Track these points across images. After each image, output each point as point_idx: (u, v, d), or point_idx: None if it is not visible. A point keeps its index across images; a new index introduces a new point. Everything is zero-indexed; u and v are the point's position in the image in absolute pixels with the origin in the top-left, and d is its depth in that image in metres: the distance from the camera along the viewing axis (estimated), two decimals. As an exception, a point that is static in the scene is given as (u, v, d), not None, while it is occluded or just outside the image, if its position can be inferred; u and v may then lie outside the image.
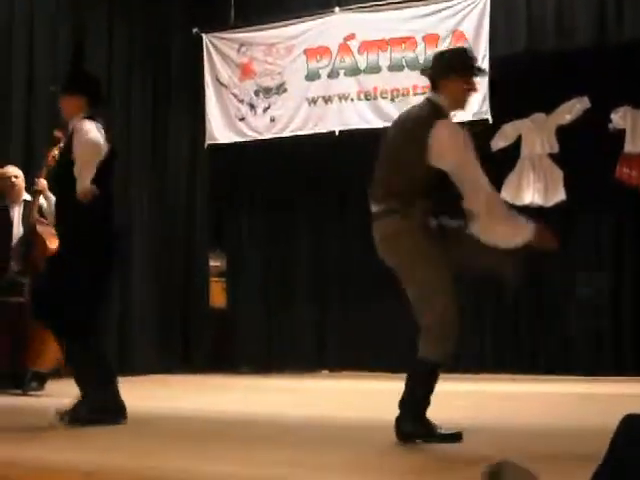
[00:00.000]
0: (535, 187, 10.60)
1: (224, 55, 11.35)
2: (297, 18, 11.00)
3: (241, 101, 11.26)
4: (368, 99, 10.52)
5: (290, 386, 9.79)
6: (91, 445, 4.68)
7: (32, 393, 7.75)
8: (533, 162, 10.63)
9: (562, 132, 10.53)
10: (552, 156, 10.63)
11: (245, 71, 11.24)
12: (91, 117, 5.65)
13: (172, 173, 11.79)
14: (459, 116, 9.73)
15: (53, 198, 6.61)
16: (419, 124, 4.66)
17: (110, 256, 5.74)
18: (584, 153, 10.11)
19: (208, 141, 11.37)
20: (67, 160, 5.55)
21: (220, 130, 11.32)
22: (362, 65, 10.57)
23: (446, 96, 4.76)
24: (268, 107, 11.08)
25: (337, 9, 10.80)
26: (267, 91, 11.10)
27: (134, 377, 10.18)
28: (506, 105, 10.03)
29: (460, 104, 4.83)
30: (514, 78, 9.71)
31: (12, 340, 7.80)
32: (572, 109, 10.42)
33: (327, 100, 10.74)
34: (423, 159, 4.56)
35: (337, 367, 11.44)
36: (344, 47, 10.67)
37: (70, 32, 10.46)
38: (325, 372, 11.48)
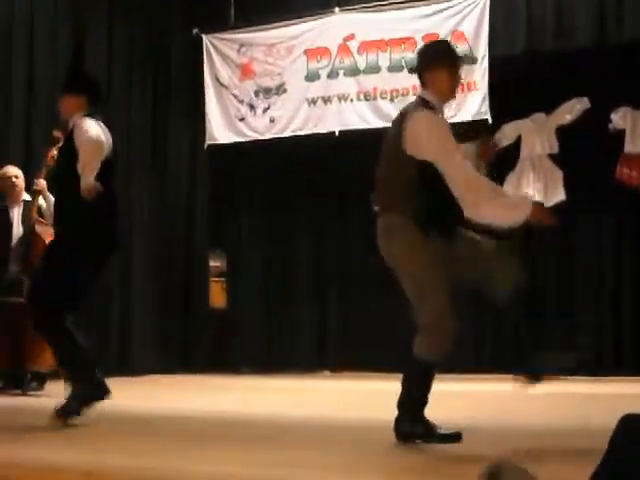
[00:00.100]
0: (535, 187, 10.60)
1: (224, 55, 11.35)
2: (297, 18, 11.00)
3: (241, 101, 11.26)
4: (368, 99, 10.52)
5: (290, 386, 9.79)
6: (90, 445, 4.69)
7: (32, 393, 7.75)
8: (533, 162, 10.63)
9: (562, 132, 10.53)
10: (552, 156, 10.63)
11: (245, 71, 11.24)
12: (91, 115, 5.66)
13: (172, 173, 11.79)
14: (459, 116, 9.85)
15: (52, 198, 6.61)
16: (402, 118, 4.72)
17: (111, 253, 5.76)
18: (584, 153, 10.11)
19: (208, 141, 11.37)
20: (67, 158, 5.55)
21: (220, 130, 11.33)
22: (362, 65, 10.57)
23: (432, 89, 4.79)
24: (268, 107, 11.08)
25: (337, 9, 10.80)
26: (267, 91, 11.10)
27: (134, 377, 10.19)
28: (506, 105, 10.03)
29: (447, 95, 4.83)
30: (514, 78, 9.71)
31: (12, 340, 7.80)
32: (572, 109, 10.42)
33: (327, 100, 10.74)
34: (404, 150, 4.60)
35: (338, 367, 11.44)
36: (344, 47, 10.68)
37: (70, 32, 10.45)
38: (326, 372, 11.48)
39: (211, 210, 12.19)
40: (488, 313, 10.77)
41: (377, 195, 4.79)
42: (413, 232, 4.57)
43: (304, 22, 10.98)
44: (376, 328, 10.93)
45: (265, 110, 11.12)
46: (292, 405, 7.32)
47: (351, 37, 10.66)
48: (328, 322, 11.95)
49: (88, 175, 5.36)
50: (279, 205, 11.99)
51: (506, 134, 10.59)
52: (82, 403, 5.42)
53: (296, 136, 10.89)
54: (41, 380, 7.92)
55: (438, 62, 4.78)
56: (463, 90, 9.68)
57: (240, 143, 11.28)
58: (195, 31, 11.39)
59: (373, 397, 8.11)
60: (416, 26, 10.29)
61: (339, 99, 10.69)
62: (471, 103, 9.93)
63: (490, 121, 9.82)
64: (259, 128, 11.16)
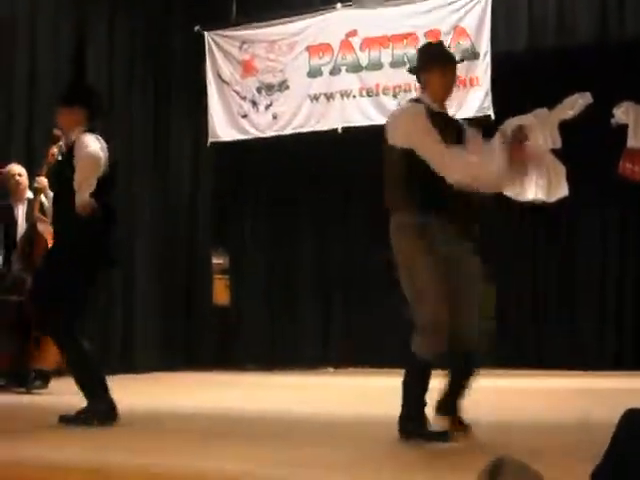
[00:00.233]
0: (538, 183, 10.55)
1: (226, 52, 11.35)
2: (299, 15, 11.00)
3: (243, 98, 11.26)
4: (370, 96, 10.52)
5: (294, 383, 9.80)
6: (95, 443, 4.69)
7: (36, 391, 7.76)
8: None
9: (565, 128, 10.50)
10: (555, 151, 10.61)
11: (247, 68, 11.24)
12: (91, 130, 5.64)
13: (174, 171, 11.80)
14: (462, 112, 9.86)
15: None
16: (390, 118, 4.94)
17: (109, 268, 5.77)
18: (587, 148, 10.10)
19: (211, 139, 11.36)
20: (65, 174, 5.53)
21: (222, 127, 11.32)
22: (364, 62, 10.56)
23: (428, 90, 4.88)
24: (270, 104, 11.08)
25: (339, 5, 10.78)
26: (269, 88, 11.10)
27: (138, 375, 10.21)
28: (508, 101, 10.01)
29: (441, 95, 4.90)
30: (516, 74, 9.72)
31: (15, 338, 7.81)
32: (575, 104, 10.38)
33: (329, 97, 10.73)
34: (391, 145, 4.70)
35: (341, 364, 11.45)
36: (346, 44, 10.67)
37: (72, 31, 10.46)
38: (330, 369, 11.50)
39: (214, 208, 12.19)
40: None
41: (385, 195, 4.84)
42: (419, 233, 4.61)
43: (306, 18, 10.97)
44: (379, 325, 10.95)
45: (267, 107, 11.12)
46: (296, 402, 7.33)
47: (353, 33, 10.66)
48: (331, 318, 11.97)
49: (84, 192, 5.36)
50: (282, 202, 12.00)
51: (509, 130, 10.57)
52: (89, 420, 5.41)
53: (299, 133, 10.89)
54: (45, 378, 7.93)
55: (431, 64, 4.87)
56: (465, 86, 9.68)
57: (243, 140, 11.28)
58: (197, 28, 11.38)
59: (377, 393, 8.12)
60: (418, 22, 10.28)
61: (341, 95, 10.69)
62: (473, 99, 9.92)
63: (493, 117, 9.81)
64: (262, 125, 11.15)
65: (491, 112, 9.80)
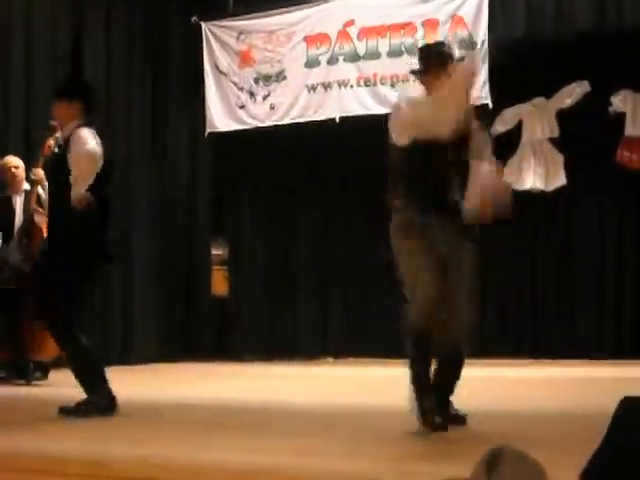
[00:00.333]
0: (536, 172, 10.59)
1: (223, 43, 11.32)
2: (296, 5, 10.97)
3: (241, 89, 11.24)
4: (368, 85, 10.50)
5: (294, 373, 9.81)
6: (94, 434, 4.70)
7: (35, 383, 7.77)
8: (534, 147, 10.63)
9: (562, 116, 10.52)
10: (553, 140, 10.62)
11: (244, 59, 11.22)
12: (87, 124, 5.64)
13: (172, 162, 11.78)
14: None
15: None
16: None
17: (106, 264, 5.77)
18: (585, 137, 10.11)
19: (208, 129, 11.34)
20: (61, 168, 5.53)
21: (220, 118, 11.30)
22: (361, 51, 10.54)
23: (429, 92, 4.88)
24: (268, 94, 11.06)
25: (336, -5, 10.77)
26: (267, 78, 11.08)
27: (137, 366, 10.21)
28: (506, 90, 10.01)
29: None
30: (514, 63, 9.69)
31: (12, 328, 7.82)
32: (572, 93, 10.40)
33: (327, 87, 10.71)
34: (392, 144, 4.74)
35: (341, 354, 11.46)
36: (343, 33, 10.65)
37: (69, 23, 10.43)
38: (329, 359, 11.50)
39: (212, 199, 12.18)
40: (489, 299, 10.78)
41: (387, 194, 4.87)
42: (419, 233, 4.62)
43: (303, 9, 10.94)
44: (378, 315, 10.94)
45: (265, 97, 11.10)
46: (296, 392, 7.34)
47: (351, 23, 10.63)
48: (331, 308, 11.97)
49: (80, 187, 5.37)
50: (281, 192, 11.99)
51: (505, 119, 10.58)
52: (89, 411, 5.42)
53: (296, 123, 10.87)
54: (44, 370, 7.94)
55: (431, 67, 4.86)
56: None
57: (241, 131, 11.26)
58: (194, 19, 11.35)
59: (376, 384, 8.14)
60: (415, 11, 10.26)
61: (339, 85, 10.67)
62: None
63: (490, 106, 9.80)
64: (259, 115, 11.14)
65: (489, 101, 9.78)
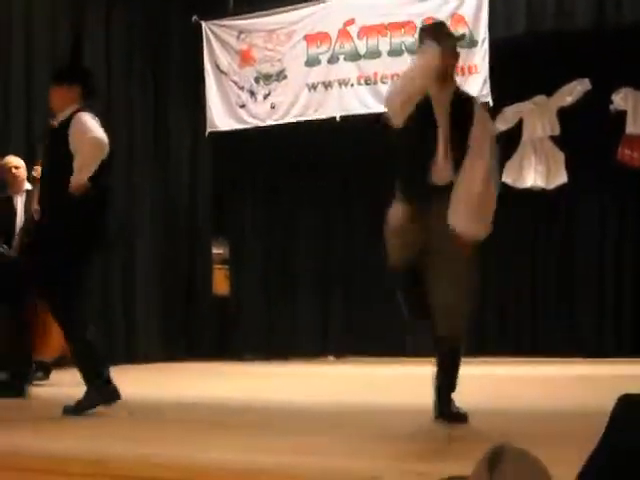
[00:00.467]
0: (537, 170, 10.59)
1: (223, 42, 11.32)
2: (296, 4, 10.97)
3: (241, 88, 11.24)
4: (368, 84, 10.50)
5: (296, 372, 9.81)
6: (96, 433, 4.70)
7: (37, 383, 7.76)
8: (534, 145, 10.62)
9: (563, 114, 10.51)
10: (553, 138, 10.62)
11: (245, 58, 11.22)
12: (85, 109, 5.62)
13: (174, 161, 11.79)
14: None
15: None
16: None
17: (95, 248, 5.76)
18: (586, 135, 10.10)
19: (209, 129, 11.34)
20: (60, 150, 5.51)
21: (220, 117, 11.31)
22: (362, 50, 10.54)
23: None
24: (268, 94, 11.06)
25: (336, -7, 10.76)
26: (267, 78, 11.08)
27: (138, 365, 10.21)
28: (507, 88, 10.01)
29: (437, 77, 4.88)
30: (514, 61, 9.69)
31: (16, 329, 7.80)
32: (573, 91, 10.40)
33: (327, 86, 10.71)
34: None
35: (342, 352, 11.46)
36: (344, 32, 10.65)
37: (69, 22, 10.43)
38: (330, 358, 11.50)
39: (213, 198, 12.19)
40: (489, 297, 10.78)
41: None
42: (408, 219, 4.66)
43: (304, 7, 10.94)
44: (379, 313, 10.94)
45: (266, 96, 11.10)
46: (297, 391, 7.34)
47: (351, 22, 10.63)
48: (331, 307, 11.97)
49: (84, 175, 5.37)
50: (281, 191, 11.99)
51: (506, 117, 10.58)
52: (91, 405, 5.42)
53: (298, 122, 10.88)
54: (46, 370, 7.93)
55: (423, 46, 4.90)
56: (464, 74, 9.66)
57: (241, 130, 11.27)
58: (194, 18, 11.35)
59: (379, 382, 8.12)
60: (416, 10, 10.25)
61: (340, 84, 10.67)
62: (472, 86, 9.87)
63: (491, 104, 9.79)
64: (260, 114, 11.14)
65: (489, 99, 9.78)
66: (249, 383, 8.47)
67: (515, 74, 10.06)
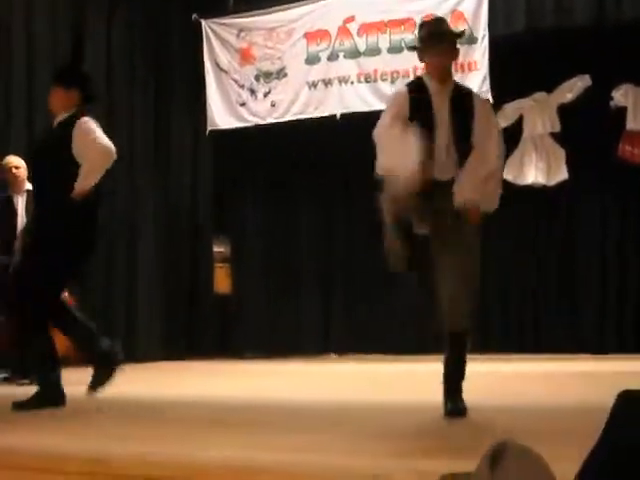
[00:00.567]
0: (537, 166, 10.58)
1: (223, 40, 11.32)
2: (296, 2, 10.97)
3: (241, 86, 11.23)
4: (368, 81, 10.49)
5: (297, 370, 9.80)
6: (95, 431, 4.69)
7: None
8: (535, 142, 10.61)
9: (564, 111, 10.50)
10: (554, 135, 10.60)
11: (245, 56, 11.21)
12: (85, 113, 5.61)
13: (175, 161, 11.80)
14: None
15: None
16: None
17: (87, 252, 5.76)
18: (586, 131, 10.09)
19: (209, 127, 11.35)
20: (59, 152, 5.50)
21: (221, 116, 11.31)
22: (362, 47, 10.53)
23: (425, 68, 4.99)
24: (269, 92, 11.06)
25: (336, -9, 10.76)
26: (267, 76, 11.07)
27: (139, 363, 10.20)
28: (507, 85, 10.00)
29: (435, 74, 4.90)
30: (514, 57, 9.68)
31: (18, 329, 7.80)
32: (573, 87, 10.39)
33: (327, 83, 10.71)
34: None
35: (344, 350, 11.45)
36: (343, 30, 10.64)
37: (70, 23, 10.42)
38: (332, 355, 11.50)
39: (214, 196, 12.19)
40: (492, 293, 10.76)
41: None
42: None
43: (303, 5, 10.95)
44: (381, 310, 10.94)
45: (266, 94, 11.10)
46: (299, 389, 7.33)
47: (351, 19, 10.63)
48: (332, 306, 11.96)
49: (90, 181, 5.39)
50: (282, 189, 11.99)
51: (506, 114, 10.56)
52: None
53: (298, 120, 10.87)
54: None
55: (424, 44, 4.90)
56: (463, 71, 9.65)
57: (242, 128, 11.26)
58: (194, 17, 11.35)
59: (381, 380, 8.11)
60: (415, 7, 10.25)
61: (340, 82, 10.66)
62: (472, 83, 9.84)
63: (491, 101, 9.77)
64: (260, 112, 11.14)
65: (489, 96, 9.76)
66: (250, 381, 8.46)
67: (515, 71, 10.05)
